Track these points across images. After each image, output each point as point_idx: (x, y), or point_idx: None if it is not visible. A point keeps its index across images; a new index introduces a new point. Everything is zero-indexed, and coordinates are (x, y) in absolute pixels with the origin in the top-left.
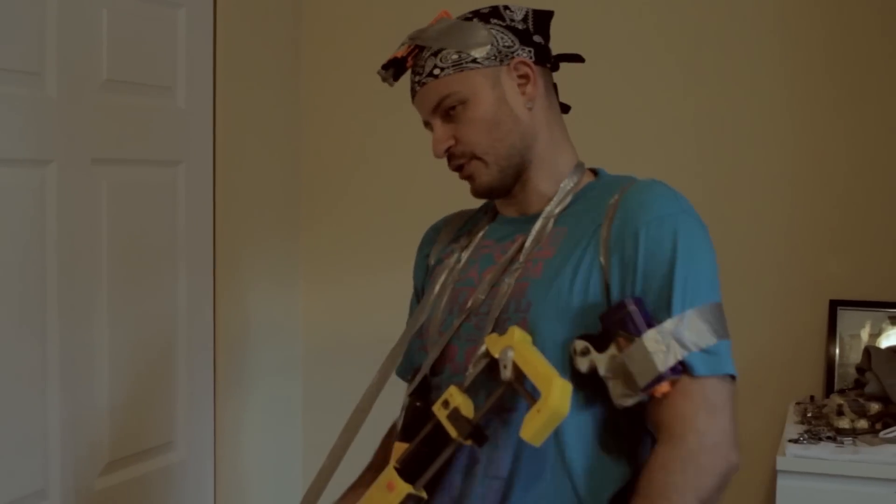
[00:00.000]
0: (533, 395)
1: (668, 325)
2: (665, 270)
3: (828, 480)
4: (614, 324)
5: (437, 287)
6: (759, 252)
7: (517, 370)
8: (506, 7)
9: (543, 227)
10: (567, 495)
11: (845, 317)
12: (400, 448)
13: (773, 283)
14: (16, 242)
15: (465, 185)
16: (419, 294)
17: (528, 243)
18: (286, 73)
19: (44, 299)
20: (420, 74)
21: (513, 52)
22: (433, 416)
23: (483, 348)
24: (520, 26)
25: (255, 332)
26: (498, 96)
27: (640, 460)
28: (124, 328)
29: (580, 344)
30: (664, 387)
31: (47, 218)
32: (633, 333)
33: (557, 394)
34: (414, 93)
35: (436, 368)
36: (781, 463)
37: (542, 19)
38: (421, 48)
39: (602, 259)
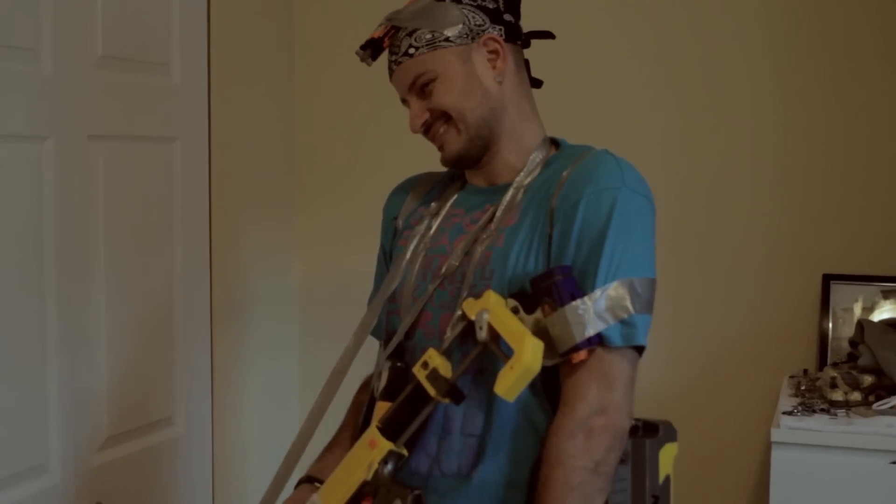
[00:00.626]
0: (507, 354)
1: (590, 298)
2: (595, 241)
3: (822, 451)
4: (541, 290)
5: (409, 253)
6: (751, 227)
7: (492, 331)
8: None
9: (514, 196)
10: (533, 452)
11: (838, 291)
12: (383, 407)
13: (766, 257)
14: (13, 218)
15: None
16: (387, 254)
17: (498, 213)
18: (280, 48)
19: (41, 275)
20: (396, 54)
21: (483, 30)
22: (413, 377)
23: (459, 312)
24: (490, 5)
25: (252, 306)
26: (468, 71)
27: None
28: (122, 304)
29: (511, 302)
30: (581, 354)
31: (44, 194)
32: (557, 303)
33: (529, 351)
34: (391, 71)
35: (409, 332)
36: (776, 434)
37: (512, 1)
38: (397, 28)
39: (549, 229)
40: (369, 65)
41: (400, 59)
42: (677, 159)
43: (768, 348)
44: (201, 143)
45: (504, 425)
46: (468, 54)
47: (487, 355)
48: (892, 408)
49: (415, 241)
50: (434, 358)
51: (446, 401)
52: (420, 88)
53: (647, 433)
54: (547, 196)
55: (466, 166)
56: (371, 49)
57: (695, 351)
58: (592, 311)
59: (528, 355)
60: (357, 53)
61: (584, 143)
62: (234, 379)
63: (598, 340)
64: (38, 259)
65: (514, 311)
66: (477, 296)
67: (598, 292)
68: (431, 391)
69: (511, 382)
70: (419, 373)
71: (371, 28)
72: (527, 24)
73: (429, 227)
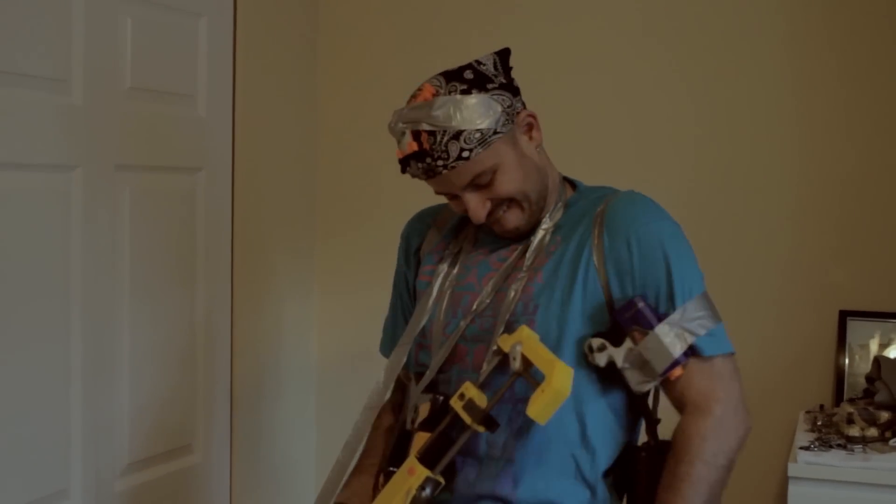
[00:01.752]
0: (539, 381)
1: (675, 316)
2: (663, 272)
3: (839, 487)
4: (627, 320)
5: (435, 291)
6: (768, 262)
7: (525, 361)
8: (479, 62)
9: (542, 238)
10: (571, 472)
11: (855, 327)
12: (422, 437)
13: (783, 293)
14: (41, 246)
15: None
16: (408, 282)
17: (529, 252)
18: (304, 82)
19: (67, 303)
20: (445, 159)
21: (515, 109)
22: (451, 408)
23: (495, 347)
24: (503, 80)
25: (272, 337)
26: (519, 154)
27: (633, 440)
28: (145, 332)
29: (597, 341)
30: (678, 370)
31: (72, 222)
32: (647, 327)
33: (559, 375)
34: (434, 174)
35: (442, 367)
36: (793, 469)
37: (505, 60)
38: (431, 132)
39: (597, 263)
40: (423, 178)
41: (452, 164)
42: (692, 193)
43: (785, 384)
44: (225, 174)
45: (541, 449)
46: (514, 138)
47: (524, 386)
48: None
49: (440, 279)
50: (470, 389)
51: (481, 429)
52: (474, 185)
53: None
54: (585, 235)
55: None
56: (416, 160)
57: None
58: (681, 328)
59: (558, 379)
60: (407, 171)
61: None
62: (252, 408)
63: (692, 353)
64: (64, 286)
65: (602, 348)
66: (511, 331)
67: (680, 311)
68: (467, 419)
69: (542, 405)
70: (456, 403)
71: (398, 63)
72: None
73: (453, 265)
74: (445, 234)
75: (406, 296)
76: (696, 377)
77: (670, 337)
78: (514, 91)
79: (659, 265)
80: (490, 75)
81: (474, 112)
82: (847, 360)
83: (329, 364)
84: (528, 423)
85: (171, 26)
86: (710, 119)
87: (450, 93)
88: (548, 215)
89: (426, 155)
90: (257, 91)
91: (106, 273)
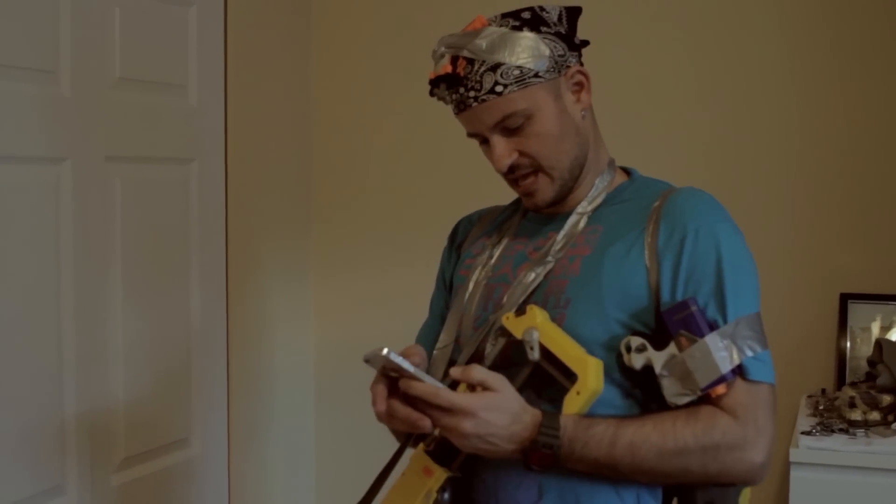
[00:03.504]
0: (566, 376)
1: (728, 329)
2: (714, 278)
3: (841, 472)
4: (675, 323)
5: (471, 284)
6: (769, 246)
7: (545, 351)
8: (541, 8)
9: (576, 223)
10: (602, 479)
11: (856, 310)
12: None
13: (784, 276)
14: (31, 239)
15: (477, 183)
16: (446, 282)
17: (559, 237)
18: (297, 70)
19: (59, 296)
20: (477, 91)
21: (566, 61)
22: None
23: (498, 326)
24: (563, 31)
25: (268, 327)
26: (560, 109)
27: None
28: (139, 325)
29: (636, 340)
30: (722, 388)
31: (62, 215)
32: (696, 334)
33: (594, 373)
34: (465, 107)
35: (471, 362)
36: (794, 455)
37: (573, 17)
38: (470, 60)
39: (647, 262)
40: (447, 102)
41: (483, 97)
42: (691, 177)
43: (786, 368)
44: (218, 164)
45: None
46: (558, 90)
47: (542, 374)
48: None
49: (476, 272)
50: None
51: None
52: (504, 128)
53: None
54: (638, 227)
55: (551, 206)
56: (446, 84)
57: None
58: (733, 343)
59: (594, 378)
60: (434, 94)
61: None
62: (249, 400)
63: (739, 372)
64: (56, 280)
65: (641, 349)
66: (520, 312)
67: (733, 325)
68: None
69: (580, 407)
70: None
71: (391, 49)
72: None
73: (490, 257)
74: (488, 228)
75: (444, 296)
76: (740, 395)
77: (721, 350)
78: (572, 45)
79: (711, 267)
80: (549, 21)
81: (518, 47)
82: (848, 344)
83: (326, 354)
84: None
85: (161, 15)
86: (711, 104)
87: (500, 27)
88: (586, 200)
89: (459, 83)
90: (249, 80)
91: (98, 266)
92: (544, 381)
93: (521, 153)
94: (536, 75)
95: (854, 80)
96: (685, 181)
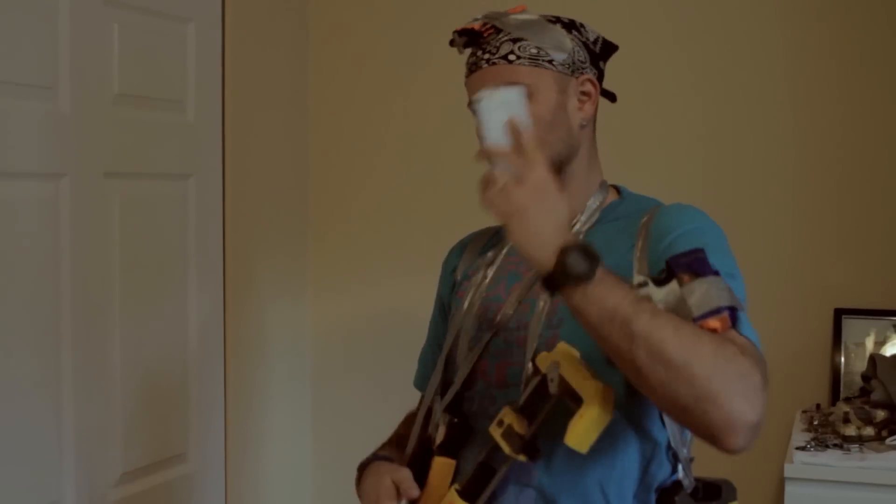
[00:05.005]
0: (579, 406)
1: (728, 279)
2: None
3: (835, 487)
4: (682, 264)
5: (466, 304)
6: (763, 260)
7: (563, 383)
8: (581, 24)
9: None
10: (597, 498)
11: (850, 325)
12: (442, 463)
13: (778, 291)
14: (30, 255)
15: (474, 198)
16: (444, 308)
17: None
18: (294, 86)
19: (57, 311)
20: (492, 54)
21: (583, 68)
22: (490, 437)
23: (530, 367)
24: (592, 47)
25: (265, 342)
26: (560, 104)
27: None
28: (137, 340)
29: (639, 278)
30: (715, 321)
31: (61, 231)
32: (701, 273)
33: (599, 398)
34: (476, 68)
35: (467, 383)
36: (789, 470)
37: (608, 50)
38: (498, 30)
39: (636, 277)
40: (460, 52)
41: (495, 60)
42: (687, 193)
43: (780, 383)
44: (216, 180)
45: (575, 478)
46: (565, 87)
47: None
48: None
49: (471, 292)
50: (508, 415)
51: (522, 458)
52: None
53: (710, 495)
54: (628, 243)
55: None
56: (468, 38)
57: None
58: (733, 291)
59: (598, 402)
60: (453, 37)
61: None
62: (247, 415)
63: (734, 317)
64: (55, 295)
65: (643, 283)
66: (549, 347)
67: (731, 278)
68: (506, 449)
69: (581, 431)
70: (494, 431)
71: (389, 66)
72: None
73: (484, 277)
74: (483, 248)
75: (439, 321)
76: (739, 339)
77: (722, 288)
78: (594, 59)
79: (696, 245)
80: (584, 33)
81: (543, 33)
82: (843, 359)
83: (323, 369)
84: (563, 450)
85: (159, 32)
86: (707, 120)
87: (539, 17)
88: (581, 219)
89: (478, 43)
90: (247, 96)
91: (96, 281)
92: (568, 415)
93: None
94: (551, 62)
95: (850, 97)
96: (680, 196)
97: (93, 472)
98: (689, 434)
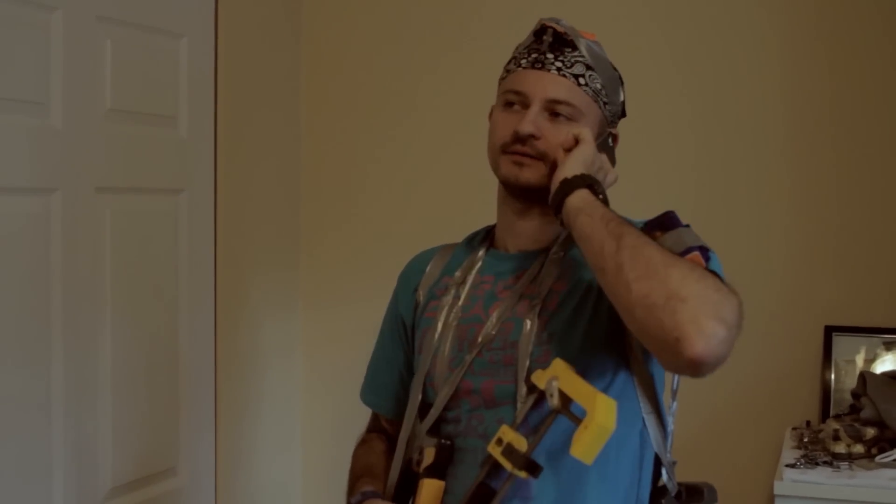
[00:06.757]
0: (580, 418)
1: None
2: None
3: None
4: (653, 225)
5: (440, 325)
6: (754, 277)
7: (563, 397)
8: (621, 83)
9: (550, 265)
10: None
11: (840, 342)
12: (430, 485)
13: (769, 308)
14: (21, 270)
15: (461, 212)
16: (403, 327)
17: (540, 277)
18: (286, 101)
19: (48, 326)
20: (564, 66)
21: (616, 120)
22: (489, 455)
23: (528, 384)
24: (621, 110)
25: (256, 358)
26: (593, 138)
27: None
28: (127, 355)
29: None
30: (688, 258)
31: (52, 246)
32: (672, 227)
33: (602, 409)
34: (541, 67)
35: (450, 403)
36: (779, 488)
37: (622, 111)
38: (574, 46)
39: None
40: (535, 43)
41: (565, 73)
42: (678, 207)
43: (770, 400)
44: (207, 195)
45: (573, 489)
46: (603, 130)
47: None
48: (894, 460)
49: (444, 312)
50: (507, 433)
51: (524, 474)
52: (553, 109)
53: (692, 498)
54: None
55: (525, 198)
56: (554, 38)
57: (697, 403)
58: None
59: (602, 413)
60: (539, 26)
61: None
62: (237, 430)
63: (705, 258)
64: (46, 310)
65: None
66: (540, 364)
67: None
68: (508, 465)
69: (586, 443)
70: (494, 450)
71: (382, 83)
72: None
73: (457, 297)
74: (446, 267)
75: (395, 338)
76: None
77: (693, 234)
78: (620, 116)
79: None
80: (621, 93)
81: (608, 74)
82: (833, 376)
83: (314, 386)
84: (570, 465)
85: (152, 47)
86: (699, 137)
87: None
88: (557, 244)
89: (560, 48)
90: (239, 111)
91: (87, 296)
92: (555, 435)
93: (541, 136)
94: (605, 104)
95: (843, 114)
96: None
97: (83, 487)
98: (671, 437)
